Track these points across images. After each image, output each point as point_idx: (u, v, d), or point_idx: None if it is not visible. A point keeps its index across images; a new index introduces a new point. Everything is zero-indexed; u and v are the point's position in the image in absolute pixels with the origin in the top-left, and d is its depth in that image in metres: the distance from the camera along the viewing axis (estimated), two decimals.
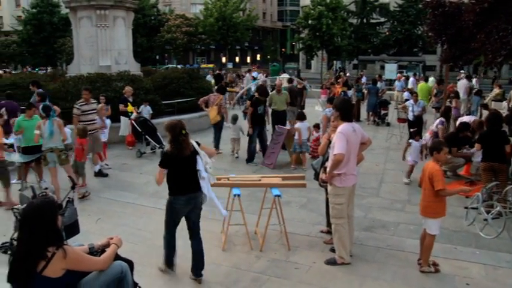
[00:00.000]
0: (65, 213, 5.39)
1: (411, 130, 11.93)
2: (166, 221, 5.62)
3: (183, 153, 5.26)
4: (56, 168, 8.61)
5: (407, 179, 9.75)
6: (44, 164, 8.67)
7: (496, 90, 18.11)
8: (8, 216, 7.21)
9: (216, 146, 12.57)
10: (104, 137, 11.17)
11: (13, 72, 38.65)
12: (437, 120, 10.73)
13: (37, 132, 8.40)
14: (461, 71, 31.44)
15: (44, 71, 37.89)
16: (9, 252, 5.74)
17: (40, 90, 12.29)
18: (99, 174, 10.31)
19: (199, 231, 5.70)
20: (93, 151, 10.38)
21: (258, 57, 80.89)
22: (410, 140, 10.20)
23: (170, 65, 54.40)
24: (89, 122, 10.21)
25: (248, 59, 79.67)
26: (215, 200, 5.80)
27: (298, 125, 11.07)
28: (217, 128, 12.74)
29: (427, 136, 10.55)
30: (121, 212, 8.14)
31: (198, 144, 5.56)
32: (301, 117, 11.36)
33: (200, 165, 5.45)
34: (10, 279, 3.49)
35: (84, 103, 10.23)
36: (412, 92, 16.02)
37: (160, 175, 5.31)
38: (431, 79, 24.27)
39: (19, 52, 56.78)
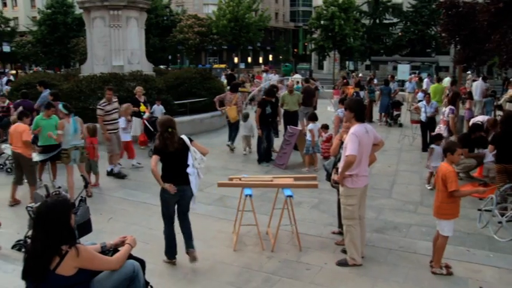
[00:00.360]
0: (77, 212, 5.43)
1: (432, 134, 11.27)
2: (162, 212, 6.00)
3: (168, 148, 5.68)
4: (72, 167, 8.74)
5: (429, 185, 9.39)
6: (66, 161, 8.74)
7: (511, 92, 17.89)
8: (23, 214, 7.29)
9: (231, 143, 13.05)
10: (129, 136, 11.19)
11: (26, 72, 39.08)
12: (447, 109, 10.54)
13: (60, 132, 8.52)
14: (468, 72, 31.13)
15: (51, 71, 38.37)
16: (23, 250, 5.79)
17: (48, 90, 12.41)
18: (117, 175, 10.31)
19: (187, 217, 6.06)
20: (114, 151, 10.47)
21: (270, 57, 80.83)
22: (432, 146, 9.72)
23: (181, 65, 54.64)
24: (111, 122, 10.28)
25: (260, 60, 79.63)
26: (194, 190, 5.98)
27: (310, 126, 11.03)
28: (235, 126, 13.03)
29: (441, 127, 10.38)
30: (133, 211, 8.18)
31: (191, 140, 5.91)
32: (313, 118, 11.33)
33: (190, 161, 5.82)
34: (24, 276, 3.54)
35: (106, 103, 10.28)
36: (425, 93, 15.91)
37: (152, 161, 5.70)
38: (446, 79, 23.98)
39: (33, 52, 57.37)
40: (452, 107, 10.55)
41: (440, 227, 5.60)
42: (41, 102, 12.33)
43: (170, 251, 6.02)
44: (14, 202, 8.18)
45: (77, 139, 8.75)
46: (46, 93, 12.48)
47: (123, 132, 10.87)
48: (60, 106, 8.81)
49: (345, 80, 27.62)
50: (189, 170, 5.82)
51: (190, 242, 6.01)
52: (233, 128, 13.12)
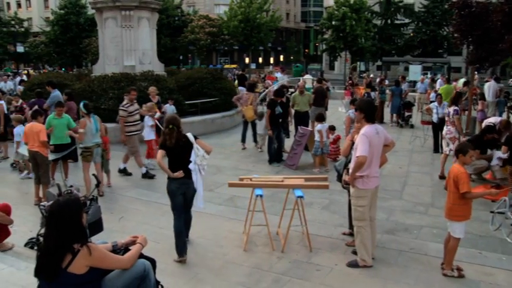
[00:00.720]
0: (89, 211, 5.47)
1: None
2: (171, 206, 6.28)
3: (168, 142, 6.04)
4: (90, 164, 8.88)
5: None
6: (89, 159, 8.85)
7: None
8: (35, 212, 7.36)
9: (243, 141, 13.47)
10: (153, 135, 11.26)
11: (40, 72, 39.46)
12: (451, 110, 10.43)
13: (82, 130, 8.64)
14: (475, 73, 30.72)
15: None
16: (35, 247, 5.85)
17: (56, 90, 12.53)
18: (145, 175, 10.32)
19: (189, 212, 6.50)
20: (137, 153, 10.54)
21: (281, 58, 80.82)
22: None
23: (192, 66, 54.81)
24: (134, 123, 10.32)
25: (271, 60, 79.66)
26: (199, 190, 6.36)
27: (319, 126, 11.01)
28: (251, 125, 13.35)
29: (451, 128, 10.27)
30: (144, 210, 8.23)
31: (196, 138, 6.26)
32: (321, 118, 11.31)
33: (192, 157, 6.15)
34: (37, 273, 3.59)
35: (129, 104, 10.31)
36: (437, 94, 15.79)
37: (158, 155, 6.16)
38: (462, 80, 23.69)
39: (46, 52, 57.92)
40: (456, 108, 10.44)
41: (451, 229, 5.56)
42: (51, 102, 12.45)
43: (180, 246, 6.09)
44: (38, 201, 8.21)
45: (98, 137, 8.97)
46: (55, 93, 12.58)
47: (150, 130, 10.95)
48: (80, 105, 8.92)
49: (350, 81, 27.61)
50: (190, 166, 6.15)
51: (187, 232, 6.50)
52: (248, 127, 13.37)
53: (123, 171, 10.51)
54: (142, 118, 12.59)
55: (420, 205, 8.44)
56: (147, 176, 10.26)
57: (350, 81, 27.36)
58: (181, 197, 6.18)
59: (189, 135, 6.23)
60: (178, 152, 6.09)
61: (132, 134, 10.26)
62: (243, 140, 13.52)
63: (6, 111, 11.89)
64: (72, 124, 9.79)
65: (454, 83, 20.67)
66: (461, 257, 5.90)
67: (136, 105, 10.52)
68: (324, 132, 10.96)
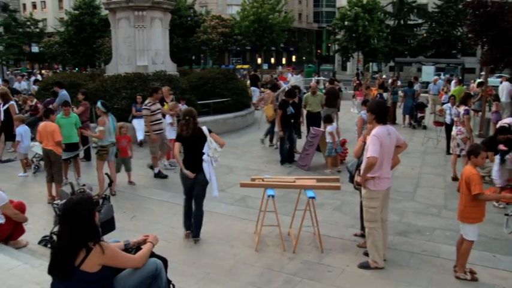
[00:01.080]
0: (101, 210, 5.50)
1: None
2: (183, 191, 6.89)
3: (183, 133, 6.56)
4: (104, 163, 8.96)
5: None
6: (105, 157, 8.93)
7: None
8: (48, 211, 7.44)
9: (271, 140, 13.89)
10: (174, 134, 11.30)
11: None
12: (462, 110, 10.33)
13: (101, 128, 8.71)
14: (482, 73, 30.40)
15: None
16: (49, 245, 5.91)
17: (64, 90, 12.66)
18: (158, 175, 10.35)
19: (201, 202, 6.72)
20: (162, 151, 10.59)
21: (294, 58, 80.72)
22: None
23: (205, 66, 54.98)
24: (156, 122, 10.36)
25: (283, 60, 79.61)
26: (213, 180, 6.69)
27: (329, 128, 10.98)
28: (273, 124, 13.40)
29: (461, 128, 10.18)
30: (156, 209, 8.27)
31: (210, 131, 6.68)
32: (329, 120, 11.29)
33: (205, 149, 6.53)
34: (50, 271, 3.62)
35: (151, 103, 10.32)
36: (450, 95, 15.66)
37: (175, 148, 6.75)
38: (478, 81, 23.40)
39: (61, 52, 58.49)
40: (467, 108, 10.35)
41: (464, 231, 5.51)
42: (59, 102, 12.60)
43: (186, 222, 6.87)
44: (52, 199, 8.27)
45: (113, 136, 9.06)
46: (63, 93, 12.73)
47: (171, 129, 10.99)
48: (98, 104, 8.99)
49: (357, 82, 27.47)
50: (204, 157, 6.54)
51: (197, 231, 6.75)
52: (272, 126, 13.55)
53: (158, 175, 10.42)
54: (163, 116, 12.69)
55: (433, 207, 8.39)
56: (160, 176, 10.30)
57: (357, 82, 27.23)
58: (191, 187, 6.68)
59: (204, 128, 6.66)
60: (193, 142, 6.56)
61: (155, 134, 10.25)
62: (266, 135, 13.87)
63: (17, 111, 12.00)
64: (79, 123, 9.89)
65: (472, 85, 20.35)
66: (475, 260, 5.85)
67: (158, 105, 10.51)
68: (335, 132, 10.94)
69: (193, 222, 6.76)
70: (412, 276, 5.65)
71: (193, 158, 6.59)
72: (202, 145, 6.55)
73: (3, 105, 11.92)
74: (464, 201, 5.42)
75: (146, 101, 10.48)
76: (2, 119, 11.95)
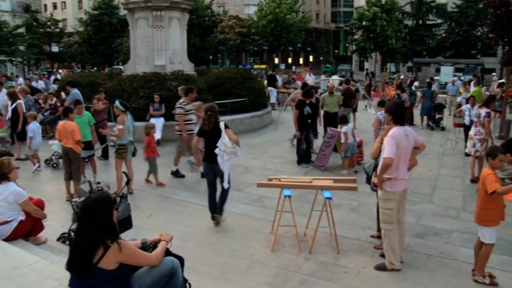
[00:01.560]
0: (119, 208, 5.55)
1: None
2: (207, 181, 7.53)
3: (205, 127, 7.21)
4: (122, 162, 9.03)
5: None
6: (123, 156, 9.02)
7: None
8: (67, 208, 7.53)
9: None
10: None
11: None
12: (483, 112, 10.21)
13: (121, 127, 8.80)
14: (493, 74, 29.82)
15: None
16: (67, 242, 5.98)
17: (76, 89, 12.82)
18: (176, 175, 10.37)
19: (224, 190, 7.35)
20: (183, 153, 10.64)
21: (311, 58, 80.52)
22: None
23: (222, 65, 55.15)
24: (188, 122, 10.37)
25: (301, 61, 79.44)
26: (225, 172, 7.19)
27: (344, 128, 10.95)
28: None
29: (480, 129, 10.07)
30: (172, 208, 8.32)
31: (226, 126, 7.18)
32: (344, 120, 11.25)
33: (218, 143, 7.03)
34: (69, 267, 3.67)
35: (186, 103, 10.36)
36: (470, 96, 15.48)
37: (193, 140, 7.68)
38: (501, 81, 23.00)
39: (80, 52, 59.20)
40: (489, 110, 10.23)
41: (481, 234, 5.44)
42: (70, 101, 12.76)
43: (211, 210, 7.44)
44: (70, 197, 8.36)
45: (131, 135, 9.16)
46: (74, 91, 12.90)
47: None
48: (116, 103, 9.08)
49: (368, 82, 27.26)
50: (216, 150, 7.07)
51: (219, 209, 7.40)
52: None
53: (176, 174, 10.43)
54: None
55: (451, 209, 8.30)
56: (178, 175, 10.35)
57: (368, 82, 27.02)
58: (213, 176, 7.37)
59: (221, 123, 7.20)
60: (212, 136, 7.12)
61: (187, 133, 10.21)
62: (295, 136, 13.61)
63: (25, 110, 12.18)
64: (92, 121, 10.00)
65: (493, 85, 20.01)
66: (494, 263, 5.78)
67: (191, 105, 10.51)
68: (350, 133, 10.90)
69: (218, 200, 7.42)
70: (429, 279, 5.60)
71: (212, 150, 7.11)
72: (218, 139, 7.08)
73: (12, 104, 12.10)
74: (481, 203, 5.36)
75: (180, 100, 10.52)
76: (10, 118, 12.14)
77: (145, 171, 9.88)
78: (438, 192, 9.34)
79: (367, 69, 50.68)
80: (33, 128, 10.76)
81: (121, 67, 29.47)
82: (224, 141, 7.05)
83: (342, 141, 10.85)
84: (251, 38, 58.05)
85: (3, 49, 39.83)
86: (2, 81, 18.73)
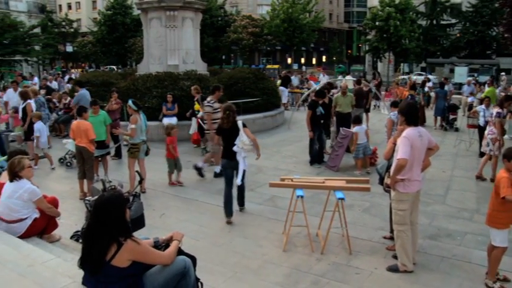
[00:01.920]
0: (131, 206, 5.58)
1: None
2: (224, 177, 7.77)
3: (224, 125, 7.55)
4: (135, 161, 9.09)
5: None
6: (136, 155, 9.06)
7: None
8: (80, 207, 7.59)
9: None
10: None
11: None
12: (494, 112, 10.13)
13: (133, 126, 8.86)
14: (502, 74, 29.49)
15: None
16: (80, 240, 6.03)
17: (84, 89, 12.93)
18: (220, 175, 10.27)
19: (242, 184, 7.71)
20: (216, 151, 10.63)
21: (324, 58, 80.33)
22: None
23: (235, 65, 55.19)
24: (216, 121, 10.39)
25: (314, 61, 79.29)
26: (241, 169, 7.52)
27: (356, 128, 10.92)
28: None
29: (493, 129, 10.00)
30: (185, 208, 8.35)
31: (244, 125, 7.58)
32: (358, 121, 11.20)
33: (236, 141, 7.39)
34: (82, 265, 3.71)
35: (214, 101, 10.37)
36: (485, 97, 15.33)
37: (215, 139, 8.24)
38: None
39: (93, 52, 59.68)
40: (500, 110, 10.15)
41: (492, 236, 5.38)
42: (75, 101, 12.99)
43: (227, 209, 7.52)
44: (84, 196, 8.44)
45: (144, 134, 9.19)
46: (81, 92, 13.02)
47: None
48: (129, 102, 9.12)
49: (377, 80, 27.04)
50: (234, 148, 7.41)
51: (241, 201, 7.97)
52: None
53: (199, 170, 10.32)
54: (193, 115, 12.77)
55: (464, 211, 8.23)
56: (200, 173, 10.24)
57: (377, 81, 26.83)
58: (231, 172, 7.61)
59: (239, 122, 7.60)
60: (230, 134, 7.46)
61: (211, 132, 10.17)
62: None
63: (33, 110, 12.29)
64: (108, 120, 10.06)
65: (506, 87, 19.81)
66: (507, 266, 5.71)
67: (218, 104, 10.45)
68: (362, 134, 10.85)
69: (238, 194, 7.87)
70: (442, 281, 5.56)
71: (230, 147, 7.44)
72: (236, 137, 7.44)
73: (23, 103, 12.22)
74: (493, 204, 5.31)
75: (208, 98, 10.56)
76: (21, 117, 12.26)
77: (160, 171, 9.92)
78: (452, 194, 9.27)
79: (373, 69, 50.37)
80: (39, 127, 10.91)
81: (114, 67, 29.76)
82: (242, 139, 7.41)
83: (359, 142, 10.78)
84: (264, 38, 58.09)
85: (19, 49, 40.32)
86: (18, 81, 18.98)
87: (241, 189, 7.90)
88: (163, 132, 12.79)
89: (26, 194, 5.60)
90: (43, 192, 5.96)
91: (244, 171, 7.58)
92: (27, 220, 5.69)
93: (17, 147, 10.51)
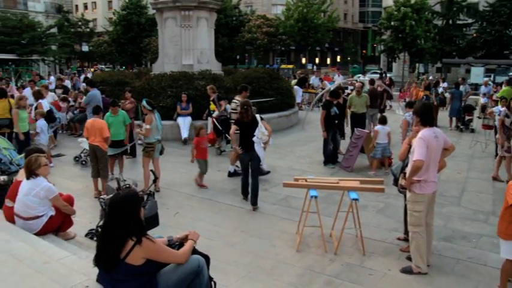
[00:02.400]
0: (146, 205, 5.62)
1: None
2: (241, 167, 8.74)
3: (243, 119, 8.22)
4: (149, 160, 9.12)
5: None
6: (151, 154, 9.10)
7: None
8: (95, 205, 7.67)
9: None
10: None
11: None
12: (502, 111, 10.04)
13: (148, 126, 8.92)
14: (510, 74, 29.06)
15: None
16: (95, 238, 6.09)
17: (95, 89, 13.04)
18: (234, 174, 10.27)
19: (257, 174, 8.32)
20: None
21: (338, 58, 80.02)
22: None
23: (249, 65, 55.23)
24: None
25: (328, 61, 79.03)
26: (261, 156, 8.42)
27: (378, 127, 10.88)
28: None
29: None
30: (198, 207, 8.38)
31: (262, 118, 8.45)
32: (383, 121, 11.13)
33: (256, 132, 8.16)
34: (97, 263, 3.75)
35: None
36: (501, 97, 15.14)
37: (232, 129, 8.65)
38: None
39: (109, 51, 60.18)
40: (502, 109, 10.09)
41: (501, 248, 5.14)
42: (87, 101, 13.23)
43: (244, 192, 8.53)
44: (98, 194, 8.52)
45: (159, 134, 9.23)
46: (92, 92, 13.18)
47: None
48: (144, 102, 9.17)
49: (388, 81, 26.82)
50: (254, 138, 8.15)
51: (254, 199, 8.14)
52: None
53: (234, 174, 10.34)
54: (210, 115, 12.81)
55: (480, 213, 8.14)
56: (234, 175, 10.25)
57: (388, 81, 26.60)
58: (248, 163, 8.30)
59: (257, 115, 8.46)
60: (249, 127, 8.20)
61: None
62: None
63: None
64: (128, 120, 10.12)
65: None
66: None
67: None
68: (384, 135, 10.74)
69: (251, 193, 8.20)
70: (457, 284, 5.51)
71: (248, 139, 8.16)
72: (255, 129, 8.21)
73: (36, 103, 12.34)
74: (502, 213, 5.07)
75: (236, 97, 10.66)
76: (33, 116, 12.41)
77: (173, 170, 9.96)
78: (467, 195, 9.17)
79: (381, 69, 49.96)
80: (41, 125, 11.02)
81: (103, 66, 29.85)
82: (262, 130, 8.27)
83: (379, 141, 10.70)
84: (278, 37, 58.03)
85: (36, 49, 40.85)
86: (35, 80, 19.19)
87: (254, 187, 8.13)
88: (178, 131, 12.90)
89: (43, 192, 5.67)
90: (59, 190, 6.03)
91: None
92: (44, 217, 5.76)
93: (34, 146, 10.63)
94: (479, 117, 17.66)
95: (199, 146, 9.39)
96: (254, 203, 8.13)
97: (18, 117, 10.56)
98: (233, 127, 8.60)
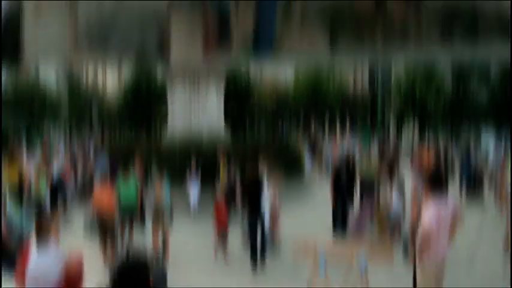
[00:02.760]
0: (155, 274, 5.53)
1: None
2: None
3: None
4: (158, 228, 9.07)
5: None
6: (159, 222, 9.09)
7: None
8: (103, 270, 7.58)
9: None
10: None
11: None
12: None
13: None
14: None
15: None
16: None
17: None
18: None
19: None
20: None
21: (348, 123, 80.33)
22: None
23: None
24: None
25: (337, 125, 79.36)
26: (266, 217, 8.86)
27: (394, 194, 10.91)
28: None
29: None
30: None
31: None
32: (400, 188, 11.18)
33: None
34: None
35: None
36: None
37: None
38: None
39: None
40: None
41: None
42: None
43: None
44: (107, 260, 8.51)
45: (168, 200, 9.35)
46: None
47: None
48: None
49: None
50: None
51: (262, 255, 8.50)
52: None
53: None
54: None
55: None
56: None
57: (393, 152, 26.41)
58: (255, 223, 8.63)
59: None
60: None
61: None
62: None
63: None
64: (138, 185, 10.16)
65: None
66: None
67: None
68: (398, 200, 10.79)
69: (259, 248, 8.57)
70: None
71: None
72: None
73: None
74: None
75: None
76: None
77: (183, 240, 9.87)
78: (477, 264, 8.95)
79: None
80: None
81: None
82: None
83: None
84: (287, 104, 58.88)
85: (47, 116, 41.83)
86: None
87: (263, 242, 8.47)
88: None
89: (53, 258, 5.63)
90: (67, 253, 5.98)
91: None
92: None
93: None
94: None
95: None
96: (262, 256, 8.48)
97: None
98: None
